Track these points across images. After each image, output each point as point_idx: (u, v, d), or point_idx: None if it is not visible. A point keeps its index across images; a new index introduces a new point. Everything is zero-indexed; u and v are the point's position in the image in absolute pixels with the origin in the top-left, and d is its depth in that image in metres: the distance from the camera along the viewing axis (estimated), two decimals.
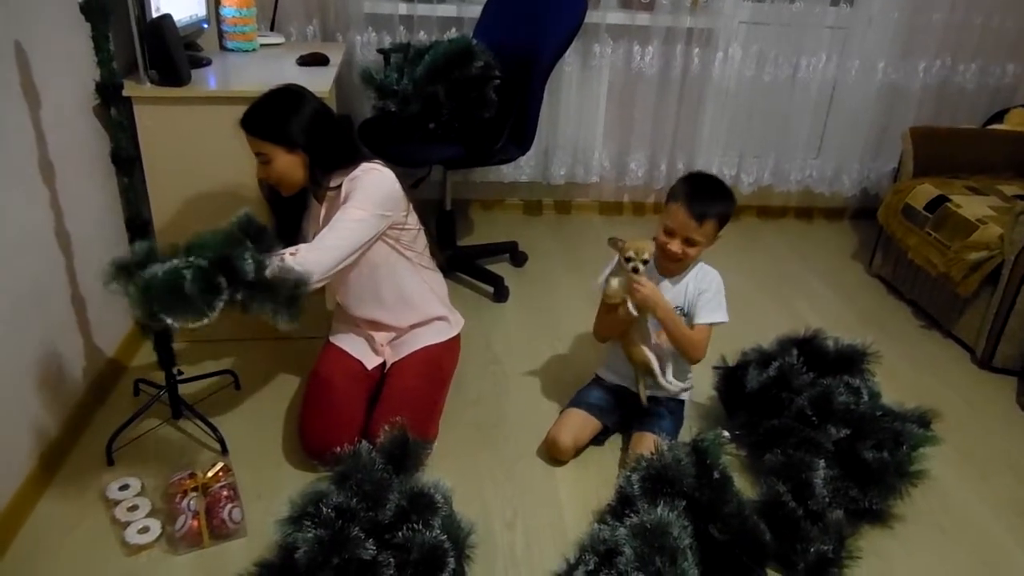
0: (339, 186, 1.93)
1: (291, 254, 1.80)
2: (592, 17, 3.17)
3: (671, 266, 1.97)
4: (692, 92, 3.43)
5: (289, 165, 1.89)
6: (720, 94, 3.44)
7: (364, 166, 1.94)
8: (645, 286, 1.86)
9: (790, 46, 3.36)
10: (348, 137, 2.02)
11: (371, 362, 2.11)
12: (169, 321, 1.55)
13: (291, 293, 1.66)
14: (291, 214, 2.06)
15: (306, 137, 1.88)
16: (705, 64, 3.38)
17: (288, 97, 1.90)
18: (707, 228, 1.89)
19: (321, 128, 1.91)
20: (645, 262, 1.86)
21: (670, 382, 2.01)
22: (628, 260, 1.86)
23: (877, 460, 1.84)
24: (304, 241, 2.04)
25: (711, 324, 1.96)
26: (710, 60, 3.37)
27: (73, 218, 1.97)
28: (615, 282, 1.92)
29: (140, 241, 1.73)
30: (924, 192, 2.89)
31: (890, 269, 3.13)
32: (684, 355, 1.97)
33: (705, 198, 1.90)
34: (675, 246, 1.90)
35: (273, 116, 1.87)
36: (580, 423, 2.04)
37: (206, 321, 1.58)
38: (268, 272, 1.66)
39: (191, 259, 1.58)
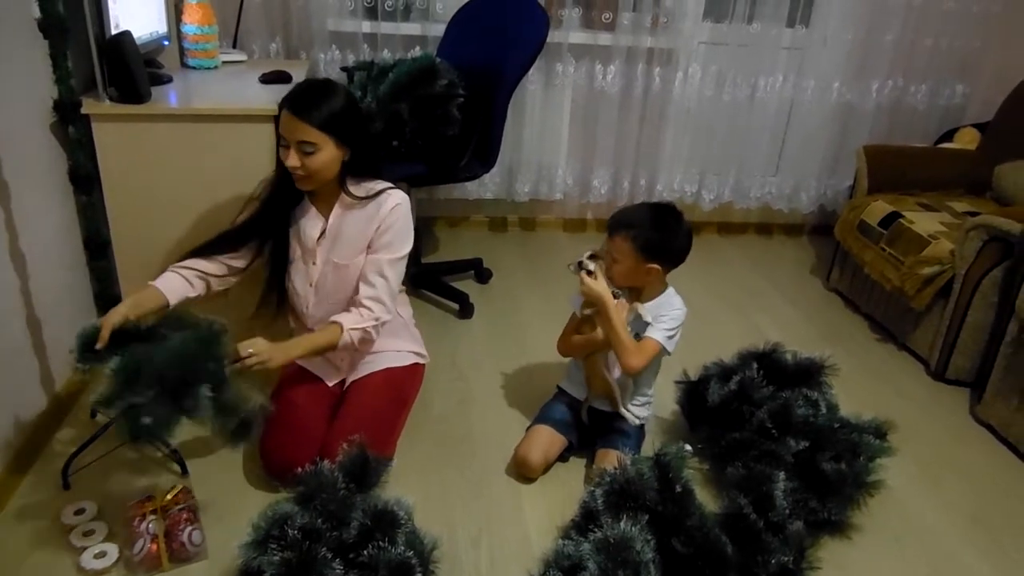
0: (356, 199, 1.92)
1: (362, 320, 1.89)
2: (555, 36, 3.20)
3: (621, 283, 1.97)
4: (654, 111, 3.49)
5: (332, 159, 1.84)
6: (681, 113, 3.51)
7: (388, 193, 1.94)
8: (587, 283, 1.90)
9: (748, 66, 3.44)
10: (376, 145, 2.02)
11: (332, 379, 2.10)
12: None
13: (241, 423, 1.68)
14: (280, 214, 1.99)
15: (356, 135, 1.86)
16: (666, 83, 3.44)
17: (343, 91, 1.86)
18: (618, 244, 1.91)
19: (364, 130, 1.91)
20: (591, 258, 1.92)
21: (628, 410, 2.05)
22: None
23: (835, 471, 1.87)
24: (288, 241, 2.01)
25: (658, 343, 1.94)
26: (671, 79, 3.43)
27: (29, 238, 1.93)
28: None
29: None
30: (878, 209, 2.96)
31: (847, 283, 3.20)
32: (619, 359, 1.93)
33: (619, 215, 1.96)
34: (609, 263, 1.95)
35: (334, 107, 1.81)
36: (548, 439, 2.05)
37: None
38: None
39: (145, 395, 1.56)
